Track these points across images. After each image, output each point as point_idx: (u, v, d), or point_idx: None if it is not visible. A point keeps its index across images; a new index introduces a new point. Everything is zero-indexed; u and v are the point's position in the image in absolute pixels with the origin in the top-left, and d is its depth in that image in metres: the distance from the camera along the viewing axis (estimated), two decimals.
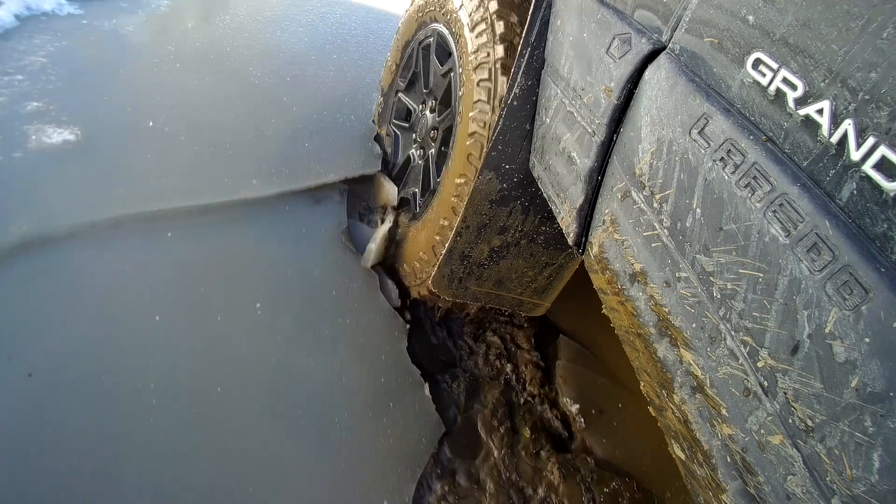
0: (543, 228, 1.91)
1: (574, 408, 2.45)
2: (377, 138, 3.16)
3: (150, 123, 2.84)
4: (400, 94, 2.90)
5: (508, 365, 2.54)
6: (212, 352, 2.11)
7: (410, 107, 2.82)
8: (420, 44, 2.67)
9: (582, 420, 2.43)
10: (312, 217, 2.77)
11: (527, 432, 2.30)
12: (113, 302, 2.12)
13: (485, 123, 1.97)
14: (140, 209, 2.42)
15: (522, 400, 2.44)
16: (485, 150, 1.80)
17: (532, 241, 1.94)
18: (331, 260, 2.61)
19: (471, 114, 2.03)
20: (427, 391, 2.25)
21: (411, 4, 2.83)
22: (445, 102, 2.45)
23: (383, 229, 2.64)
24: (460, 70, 2.17)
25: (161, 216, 2.45)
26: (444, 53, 2.46)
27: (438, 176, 2.35)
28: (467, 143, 2.03)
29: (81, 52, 3.27)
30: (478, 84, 2.01)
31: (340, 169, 2.97)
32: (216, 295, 2.27)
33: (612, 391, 2.58)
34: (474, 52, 2.04)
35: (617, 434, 2.44)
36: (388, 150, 3.07)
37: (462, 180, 2.03)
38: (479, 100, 2.00)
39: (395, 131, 2.98)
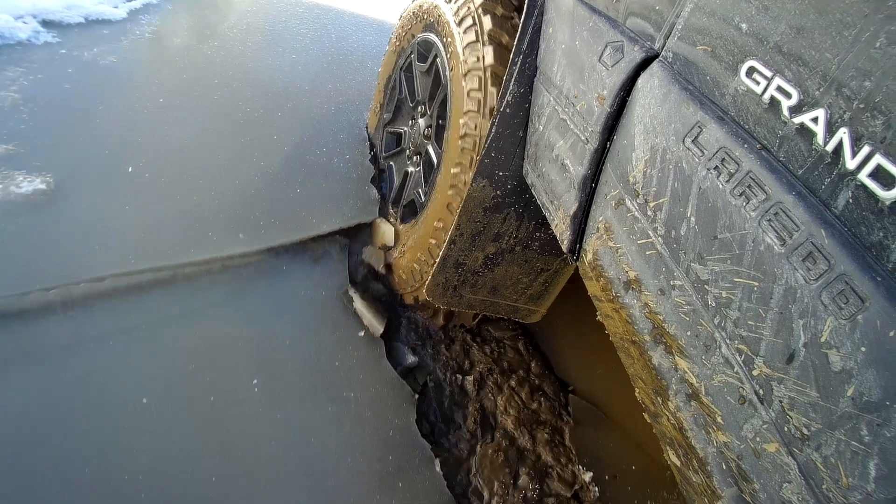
0: (538, 234, 1.91)
1: (587, 476, 2.31)
2: (374, 180, 3.01)
3: (130, 169, 2.63)
4: (387, 129, 2.94)
5: (523, 429, 2.36)
6: (205, 437, 1.92)
7: (400, 131, 2.82)
8: (402, 69, 2.69)
9: (595, 489, 2.30)
10: (311, 278, 2.56)
11: None
12: (92, 385, 1.90)
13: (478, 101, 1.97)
14: (117, 271, 2.19)
15: (536, 468, 2.27)
16: (477, 158, 1.80)
17: (527, 248, 1.94)
18: (332, 326, 2.40)
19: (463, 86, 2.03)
20: (438, 467, 2.09)
21: (388, 45, 2.93)
22: (433, 97, 2.46)
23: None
24: (448, 56, 2.18)
25: (141, 281, 2.23)
26: (425, 53, 2.48)
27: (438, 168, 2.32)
28: (461, 121, 2.01)
29: (57, 87, 3.03)
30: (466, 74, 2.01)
31: (335, 218, 2.75)
32: (208, 371, 2.06)
33: (625, 452, 2.45)
34: (462, 45, 2.04)
35: (631, 500, 2.35)
36: (384, 184, 3.04)
37: (457, 169, 2.02)
38: (470, 70, 2.00)
39: (388, 165, 2.97)
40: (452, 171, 2.03)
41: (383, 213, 2.87)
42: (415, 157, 2.65)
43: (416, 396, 2.27)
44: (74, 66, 3.22)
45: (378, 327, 2.38)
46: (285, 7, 4.78)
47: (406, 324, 2.53)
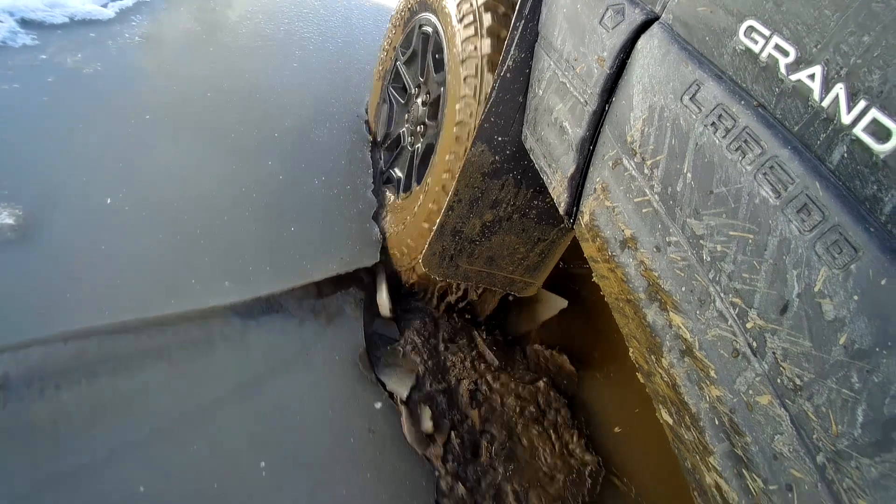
0: (535, 203, 1.91)
1: None
2: (376, 217, 2.74)
3: (109, 200, 2.33)
4: (399, 64, 2.87)
5: None
6: None
7: (406, 83, 2.80)
8: (420, 27, 2.67)
9: None
10: (321, 338, 2.30)
11: None
12: (66, 481, 1.66)
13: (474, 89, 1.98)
14: (91, 324, 1.93)
15: None
16: (477, 122, 1.80)
17: (524, 216, 1.95)
18: (347, 396, 2.17)
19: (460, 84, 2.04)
20: None
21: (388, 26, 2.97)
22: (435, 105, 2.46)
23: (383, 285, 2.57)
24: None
25: (121, 338, 1.95)
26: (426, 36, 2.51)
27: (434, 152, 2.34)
28: (457, 106, 2.03)
29: (34, 99, 2.68)
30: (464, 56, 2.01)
31: (331, 262, 2.47)
32: (210, 453, 1.85)
33: None
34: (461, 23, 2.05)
35: None
36: (383, 119, 3.05)
37: (452, 156, 2.03)
38: (467, 38, 2.01)
39: (391, 99, 2.95)
40: (453, 132, 2.05)
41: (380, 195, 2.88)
42: (412, 138, 2.65)
43: (437, 474, 2.08)
44: (54, 75, 2.87)
45: (403, 391, 2.23)
46: (290, 7, 4.34)
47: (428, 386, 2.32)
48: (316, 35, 4.13)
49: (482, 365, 2.47)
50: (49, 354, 1.85)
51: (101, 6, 3.47)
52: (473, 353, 2.51)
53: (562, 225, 1.98)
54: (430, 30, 2.45)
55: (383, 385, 2.26)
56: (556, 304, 2.59)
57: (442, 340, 2.51)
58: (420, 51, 2.60)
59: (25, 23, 3.14)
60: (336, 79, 3.70)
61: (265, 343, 2.20)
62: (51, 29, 3.18)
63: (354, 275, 2.54)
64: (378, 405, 2.19)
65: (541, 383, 2.47)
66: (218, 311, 2.17)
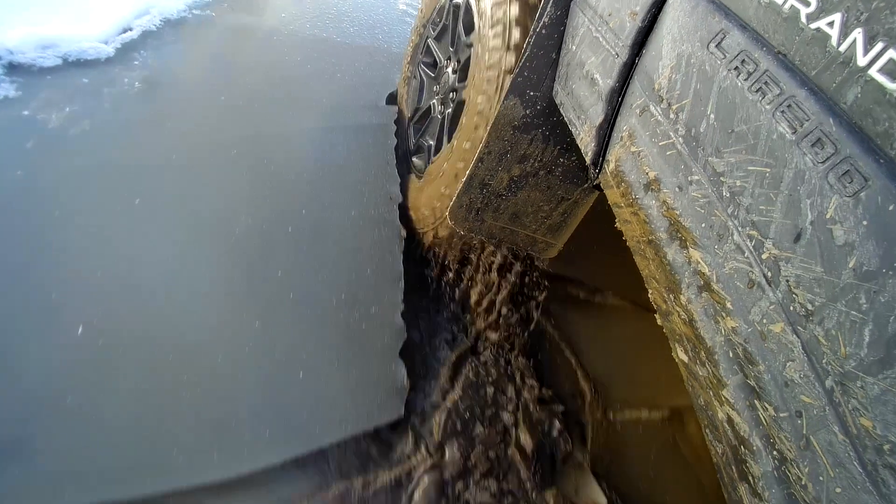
0: (561, 160, 1.97)
1: None
2: (403, 354, 2.25)
3: (80, 330, 1.89)
4: (429, 41, 2.95)
5: None
6: None
7: (437, 57, 2.87)
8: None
9: None
10: None
11: None
12: None
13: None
14: None
15: None
16: (511, 76, 1.86)
17: (550, 173, 2.01)
18: None
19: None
20: None
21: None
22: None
23: None
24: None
25: None
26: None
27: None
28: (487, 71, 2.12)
29: (5, 175, 2.25)
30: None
31: (346, 421, 2.00)
32: None
33: None
34: None
35: None
36: (413, 94, 3.10)
37: (479, 117, 2.11)
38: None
39: (421, 75, 3.03)
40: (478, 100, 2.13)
41: (406, 168, 2.89)
42: (443, 106, 2.73)
43: None
44: (35, 138, 2.43)
45: None
46: (318, 45, 3.84)
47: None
48: (350, 76, 3.59)
49: None
50: None
51: (102, 42, 3.09)
52: None
53: (585, 185, 2.04)
54: (460, 1, 2.53)
55: None
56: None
57: None
58: (451, 23, 2.68)
59: (13, 68, 2.76)
60: (368, 151, 3.09)
61: None
62: (39, 74, 2.77)
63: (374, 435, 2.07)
64: None
65: None
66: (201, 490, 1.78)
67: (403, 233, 2.65)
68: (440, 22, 2.80)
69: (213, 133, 2.81)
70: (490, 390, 2.28)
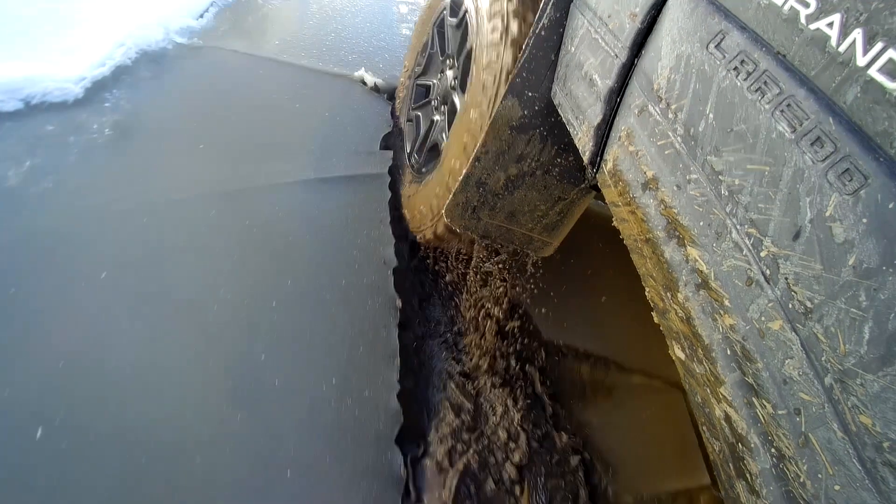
0: (559, 160, 1.98)
1: None
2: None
3: (39, 433, 1.64)
4: (416, 81, 2.98)
5: None
6: None
7: (429, 83, 2.89)
8: (435, 25, 2.80)
9: None
10: None
11: None
12: None
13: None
14: None
15: None
16: (510, 77, 1.87)
17: (547, 173, 2.02)
18: None
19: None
20: None
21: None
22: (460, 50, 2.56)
23: None
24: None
25: None
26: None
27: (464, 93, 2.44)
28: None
29: None
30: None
31: None
32: None
33: None
34: None
35: None
36: (410, 136, 3.09)
37: (476, 113, 2.13)
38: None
39: (415, 116, 3.04)
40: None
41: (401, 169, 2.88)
42: (441, 107, 2.75)
43: None
44: None
45: None
46: (310, 78, 3.50)
47: None
48: (341, 116, 3.28)
49: None
50: None
51: (72, 83, 2.74)
52: None
53: (582, 185, 2.05)
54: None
55: None
56: None
57: None
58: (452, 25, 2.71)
59: None
60: (361, 208, 2.82)
61: None
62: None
63: None
64: None
65: None
66: None
67: (399, 302, 2.44)
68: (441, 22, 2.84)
69: (190, 189, 2.51)
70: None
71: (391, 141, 3.25)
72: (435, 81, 2.88)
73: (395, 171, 3.00)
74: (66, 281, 2.00)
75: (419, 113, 3.02)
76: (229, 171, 2.66)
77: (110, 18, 3.23)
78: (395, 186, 2.95)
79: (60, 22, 3.06)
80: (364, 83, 3.63)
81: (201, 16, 3.70)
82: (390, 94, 3.50)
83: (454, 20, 2.64)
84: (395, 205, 2.88)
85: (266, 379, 2.00)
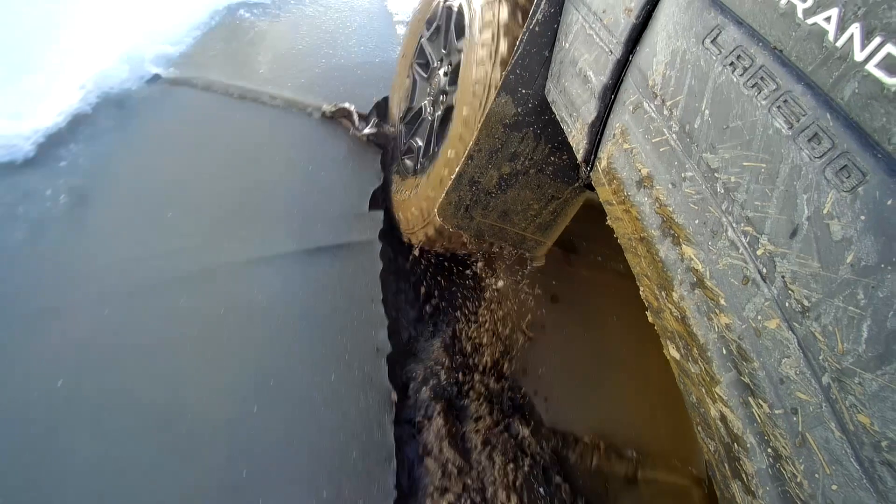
0: (552, 159, 1.97)
1: None
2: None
3: None
4: (423, 41, 2.93)
5: None
6: None
7: (430, 58, 2.86)
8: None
9: None
10: None
11: None
12: None
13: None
14: None
15: None
16: (504, 74, 1.86)
17: (540, 172, 2.01)
18: None
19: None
20: None
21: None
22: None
23: None
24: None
25: None
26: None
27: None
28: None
29: None
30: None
31: None
32: None
33: None
34: None
35: None
36: (405, 94, 3.07)
37: (469, 109, 2.12)
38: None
39: (415, 76, 3.01)
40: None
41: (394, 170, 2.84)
42: (433, 107, 2.72)
43: None
44: None
45: None
46: (294, 119, 3.10)
47: None
48: (326, 169, 2.88)
49: None
50: None
51: (20, 137, 2.34)
52: None
53: (576, 184, 2.04)
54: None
55: None
56: None
57: None
58: (444, 24, 2.68)
59: None
60: (349, 284, 2.51)
61: None
62: None
63: None
64: None
65: None
66: None
67: (394, 396, 2.19)
68: (433, 23, 2.81)
69: (154, 272, 2.20)
70: None
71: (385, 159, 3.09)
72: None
73: (385, 236, 2.75)
74: (16, 389, 1.77)
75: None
76: (199, 247, 2.35)
77: (71, 54, 2.80)
78: (386, 253, 2.71)
79: (10, 62, 2.64)
80: (354, 125, 3.19)
81: (180, 41, 3.28)
82: (382, 141, 3.16)
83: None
84: (387, 279, 2.63)
85: (249, 500, 1.80)
